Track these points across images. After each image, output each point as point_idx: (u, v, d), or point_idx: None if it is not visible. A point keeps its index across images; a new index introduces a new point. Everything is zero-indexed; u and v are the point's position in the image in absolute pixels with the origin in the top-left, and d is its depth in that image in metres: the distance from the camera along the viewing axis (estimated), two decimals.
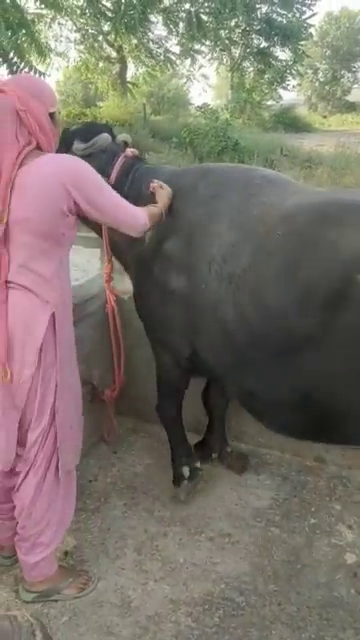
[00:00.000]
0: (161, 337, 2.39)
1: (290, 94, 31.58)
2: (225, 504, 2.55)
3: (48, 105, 1.80)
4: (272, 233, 1.87)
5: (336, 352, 1.74)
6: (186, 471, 2.57)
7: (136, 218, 1.94)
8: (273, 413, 2.09)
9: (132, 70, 21.12)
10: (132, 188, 2.27)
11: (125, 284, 2.64)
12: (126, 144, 2.39)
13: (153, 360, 2.50)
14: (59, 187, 1.73)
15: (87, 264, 3.08)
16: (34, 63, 9.81)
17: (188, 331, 2.20)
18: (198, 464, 2.63)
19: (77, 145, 2.23)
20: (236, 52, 20.38)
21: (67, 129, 2.34)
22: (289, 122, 21.87)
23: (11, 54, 8.69)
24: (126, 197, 1.95)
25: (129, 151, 2.34)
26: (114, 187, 1.97)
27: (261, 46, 19.99)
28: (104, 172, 2.16)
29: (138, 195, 2.18)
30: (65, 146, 2.23)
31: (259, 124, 19.58)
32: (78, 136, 2.27)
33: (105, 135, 2.28)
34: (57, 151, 1.93)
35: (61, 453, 1.94)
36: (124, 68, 20.08)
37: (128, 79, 20.72)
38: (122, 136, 2.40)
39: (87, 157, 2.13)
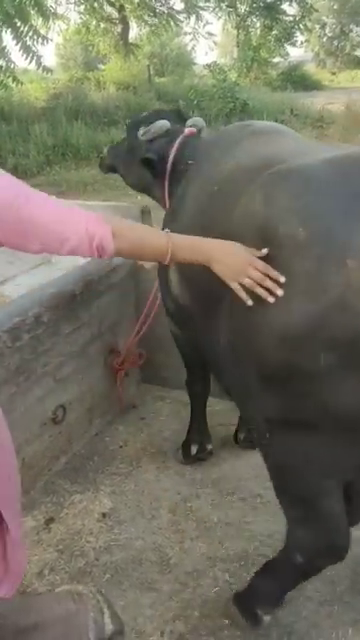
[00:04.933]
0: (168, 306, 2.30)
1: (298, 51, 30.57)
2: (253, 466, 2.60)
3: None
4: (211, 190, 1.76)
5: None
6: (194, 449, 2.63)
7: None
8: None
9: (134, 30, 20.53)
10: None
11: None
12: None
13: None
14: None
15: None
16: (37, 27, 9.51)
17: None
18: (210, 446, 2.66)
19: (140, 131, 2.34)
20: (242, 7, 19.66)
21: (135, 116, 2.46)
22: (297, 80, 21.15)
23: (15, 19, 8.43)
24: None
25: (187, 130, 2.31)
26: (173, 170, 2.12)
27: (268, 1, 19.28)
28: (164, 156, 2.25)
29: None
30: (132, 133, 2.41)
31: (267, 83, 19.01)
32: (143, 123, 2.37)
33: (161, 122, 2.32)
34: (125, 138, 1.91)
35: None
36: (126, 29, 19.44)
37: (130, 40, 20.12)
38: (191, 120, 2.42)
39: (150, 142, 2.30)
